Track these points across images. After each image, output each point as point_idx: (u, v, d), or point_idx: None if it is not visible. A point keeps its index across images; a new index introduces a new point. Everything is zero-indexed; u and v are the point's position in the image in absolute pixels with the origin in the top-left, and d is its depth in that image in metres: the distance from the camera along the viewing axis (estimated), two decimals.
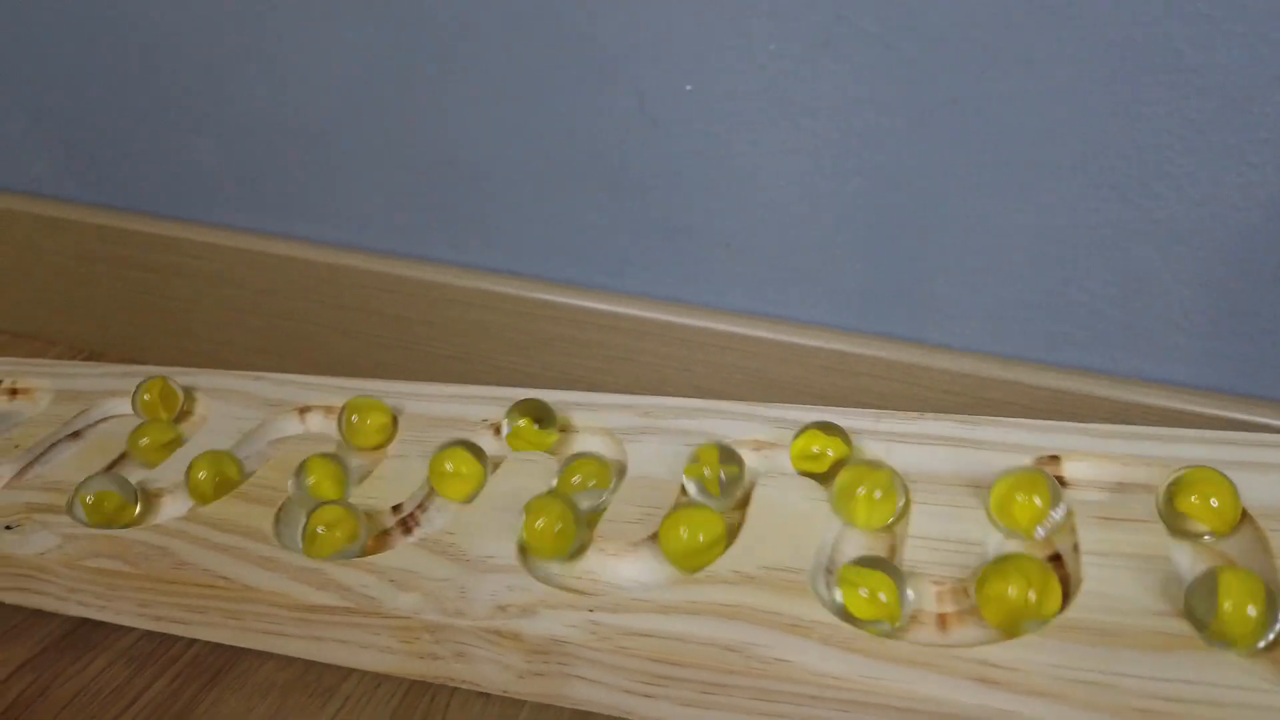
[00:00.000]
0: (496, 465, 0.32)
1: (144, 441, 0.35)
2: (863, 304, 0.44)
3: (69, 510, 0.33)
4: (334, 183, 0.50)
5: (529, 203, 0.47)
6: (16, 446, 0.37)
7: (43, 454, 0.38)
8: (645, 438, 0.32)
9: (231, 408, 0.37)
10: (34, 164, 0.57)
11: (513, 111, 0.45)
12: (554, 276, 0.49)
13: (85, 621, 0.37)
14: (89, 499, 0.32)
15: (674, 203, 0.45)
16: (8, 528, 0.32)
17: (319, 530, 0.29)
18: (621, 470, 0.31)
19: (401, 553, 0.29)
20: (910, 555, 0.26)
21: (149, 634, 0.34)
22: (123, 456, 0.37)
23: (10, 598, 0.33)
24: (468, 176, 0.48)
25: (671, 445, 0.31)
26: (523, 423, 0.32)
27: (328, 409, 0.37)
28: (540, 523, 0.27)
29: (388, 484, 0.32)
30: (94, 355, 0.60)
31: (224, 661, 0.38)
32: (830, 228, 0.43)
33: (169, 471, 0.35)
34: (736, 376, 0.46)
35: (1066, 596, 0.25)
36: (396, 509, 0.31)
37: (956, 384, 0.43)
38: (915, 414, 0.31)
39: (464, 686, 0.28)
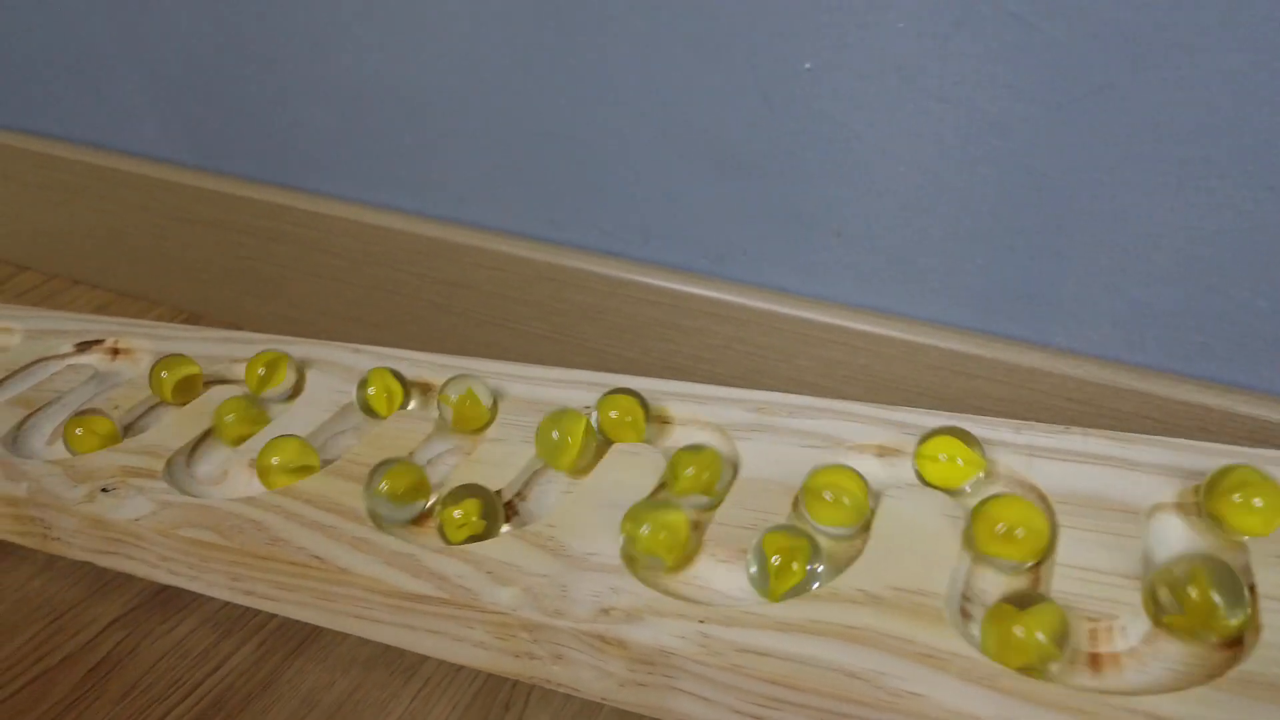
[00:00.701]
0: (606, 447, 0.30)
1: (229, 418, 0.33)
2: (983, 302, 0.40)
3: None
4: (437, 155, 0.49)
5: (633, 181, 0.45)
6: (116, 407, 0.36)
7: (141, 416, 0.37)
8: (758, 436, 0.29)
9: (330, 379, 0.35)
10: (145, 126, 0.56)
11: (620, 85, 0.43)
12: (655, 259, 0.46)
13: None
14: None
15: (785, 187, 0.42)
16: (104, 490, 0.31)
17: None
18: (734, 469, 0.29)
19: (500, 543, 0.27)
20: (1059, 585, 0.23)
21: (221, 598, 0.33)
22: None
23: (103, 560, 0.32)
24: (571, 151, 0.45)
25: (788, 446, 0.29)
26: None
27: (426, 386, 0.35)
28: (645, 530, 0.25)
29: (486, 468, 0.30)
30: (194, 317, 0.59)
31: (307, 633, 0.37)
32: (953, 219, 0.39)
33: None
34: (841, 372, 0.43)
35: (1240, 644, 0.22)
36: (497, 494, 0.29)
37: (1082, 392, 0.39)
38: (1060, 427, 0.27)
39: (560, 690, 0.26)
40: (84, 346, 0.41)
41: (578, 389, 0.33)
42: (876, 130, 0.39)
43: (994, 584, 0.24)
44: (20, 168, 0.61)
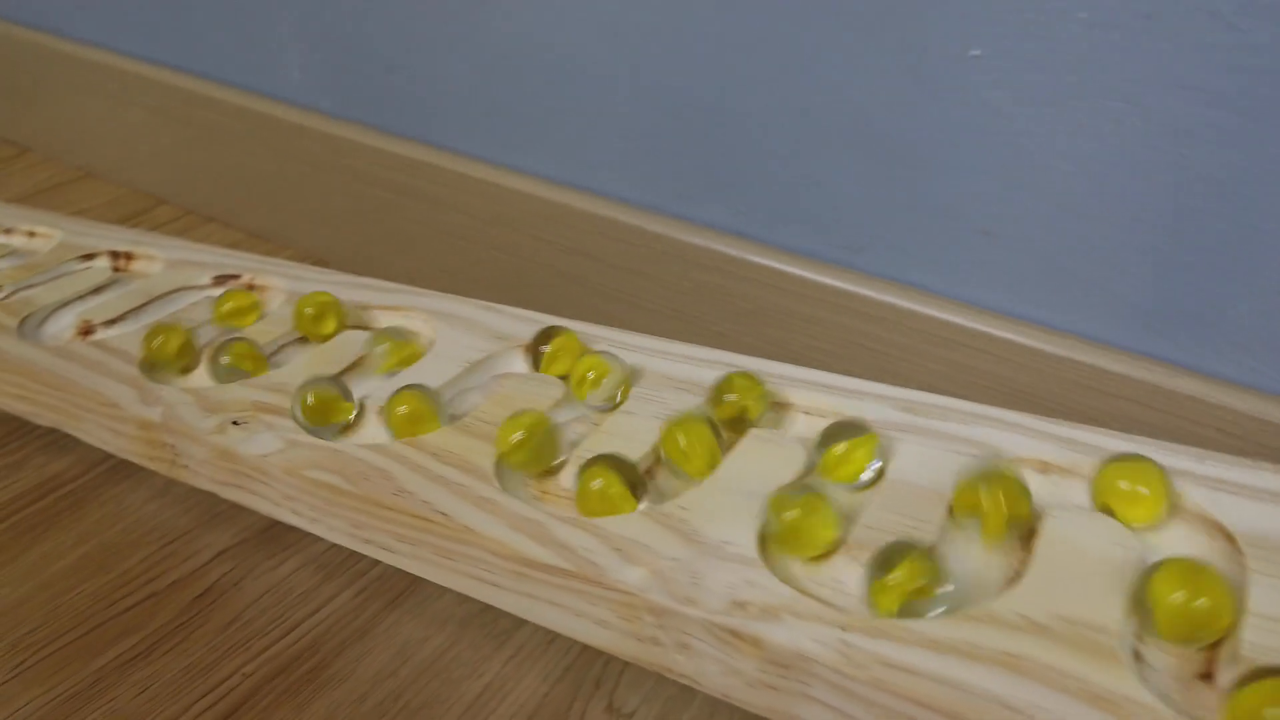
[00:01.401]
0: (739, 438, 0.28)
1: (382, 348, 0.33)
2: (1140, 319, 0.37)
3: (291, 411, 0.31)
4: (573, 120, 0.47)
5: (772, 161, 0.43)
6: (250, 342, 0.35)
7: (273, 354, 0.37)
8: (907, 437, 0.27)
9: (460, 335, 0.34)
10: (291, 70, 0.56)
11: (770, 60, 0.40)
12: (787, 245, 0.44)
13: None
14: (309, 399, 0.30)
15: (935, 178, 0.39)
16: (235, 423, 0.31)
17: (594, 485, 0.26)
18: (883, 472, 0.26)
19: (629, 521, 0.25)
20: (1249, 637, 0.21)
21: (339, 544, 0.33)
22: (352, 366, 0.35)
23: (228, 493, 0.32)
24: (710, 125, 0.43)
25: (939, 452, 0.26)
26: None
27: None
28: (791, 515, 0.23)
29: (616, 442, 0.28)
30: (319, 263, 0.59)
31: (406, 584, 0.37)
32: (1117, 228, 0.36)
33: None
34: (975, 379, 0.41)
35: None
36: None
37: (1238, 426, 0.36)
38: (1249, 461, 0.25)
39: (681, 680, 0.24)
40: (221, 280, 0.41)
41: (713, 369, 0.31)
42: (1043, 126, 0.36)
43: None
44: (167, 102, 0.62)
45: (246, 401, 0.32)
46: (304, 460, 0.29)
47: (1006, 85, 0.36)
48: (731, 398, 0.28)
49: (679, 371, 0.31)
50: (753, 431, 0.28)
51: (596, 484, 0.26)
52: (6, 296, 0.41)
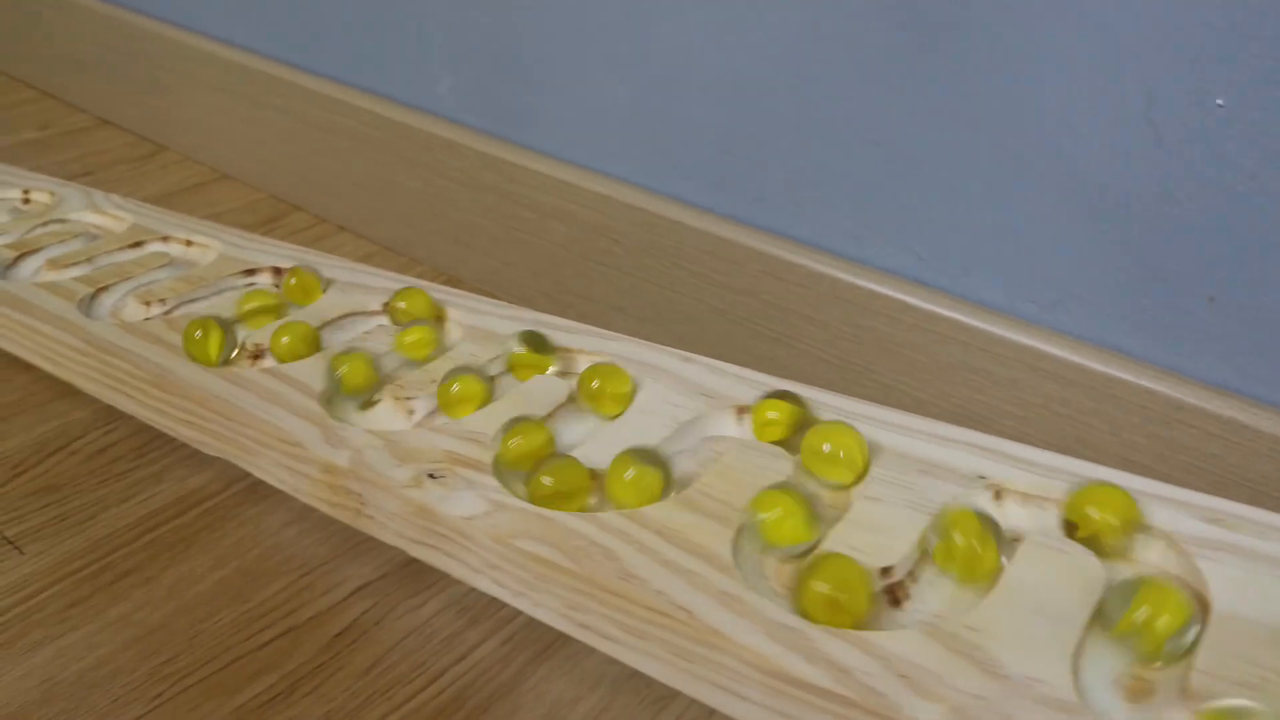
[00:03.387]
0: (1013, 542, 0.23)
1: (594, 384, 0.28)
2: None
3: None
4: (740, 149, 0.43)
5: (961, 206, 0.38)
6: (433, 381, 0.31)
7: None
8: (1222, 558, 0.22)
9: (664, 390, 0.30)
10: (439, 82, 0.52)
11: (972, 98, 0.36)
12: (972, 295, 0.39)
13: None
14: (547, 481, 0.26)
15: (1153, 236, 0.34)
16: (431, 476, 0.27)
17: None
18: (1201, 600, 0.22)
19: (909, 641, 0.21)
20: None
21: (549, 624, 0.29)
22: (546, 419, 0.30)
23: (417, 551, 0.27)
24: (894, 164, 0.39)
25: (1270, 579, 0.21)
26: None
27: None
28: None
29: (866, 534, 0.24)
30: (452, 281, 0.55)
31: (554, 635, 0.32)
32: None
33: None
34: (1180, 458, 0.35)
35: None
36: (885, 571, 0.23)
37: None
38: None
39: None
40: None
41: (962, 451, 0.26)
42: None
43: None
44: (309, 109, 0.58)
45: (439, 451, 0.27)
46: (513, 527, 0.25)
47: (1255, 140, 0.31)
48: (1094, 513, 0.22)
49: (926, 452, 0.26)
50: (1028, 538, 0.23)
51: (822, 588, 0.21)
52: (169, 311, 0.37)
